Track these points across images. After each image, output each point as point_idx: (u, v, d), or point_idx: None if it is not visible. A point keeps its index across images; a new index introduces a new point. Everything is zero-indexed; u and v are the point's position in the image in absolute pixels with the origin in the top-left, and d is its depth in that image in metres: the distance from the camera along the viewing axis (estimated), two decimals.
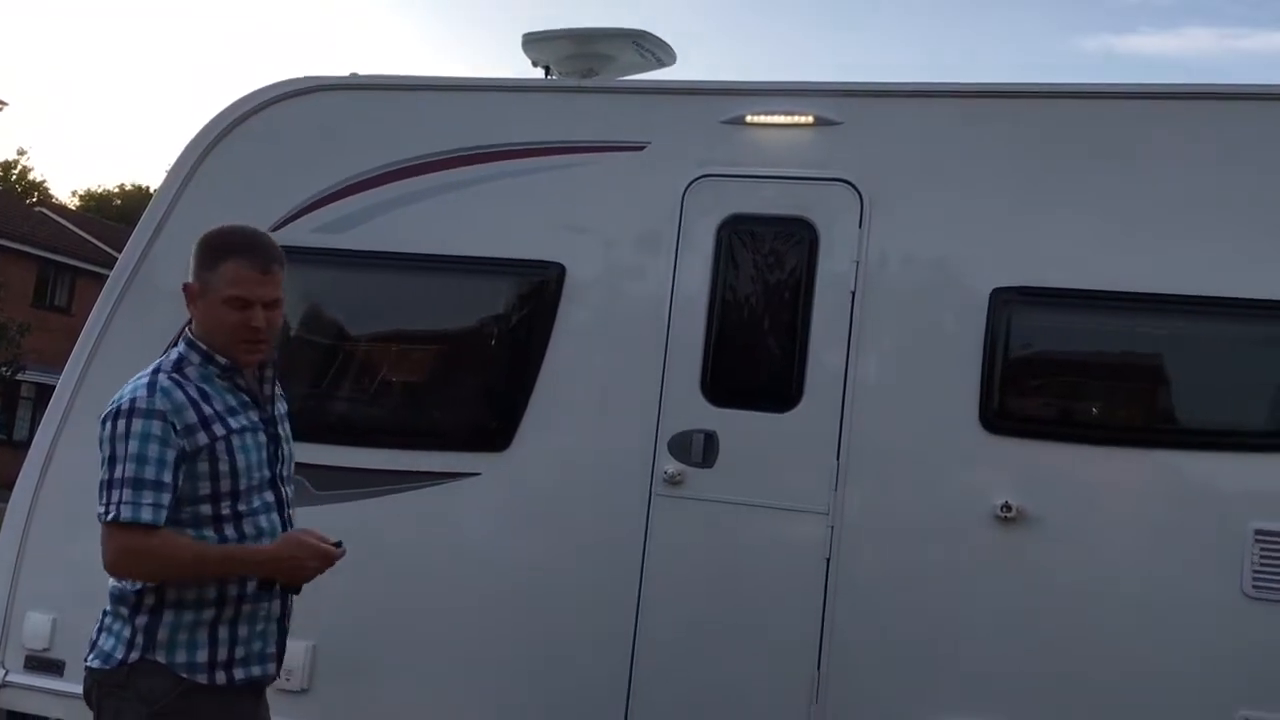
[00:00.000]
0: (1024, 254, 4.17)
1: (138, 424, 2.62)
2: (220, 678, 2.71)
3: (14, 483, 5.00)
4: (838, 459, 4.21)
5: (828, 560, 4.17)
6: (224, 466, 2.71)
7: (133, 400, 2.66)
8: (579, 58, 5.04)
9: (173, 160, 5.11)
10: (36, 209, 34.57)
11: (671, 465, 4.35)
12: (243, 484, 2.74)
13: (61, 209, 38.62)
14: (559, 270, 4.57)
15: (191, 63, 77.64)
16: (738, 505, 4.29)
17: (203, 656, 2.69)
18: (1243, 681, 3.80)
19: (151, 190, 5.61)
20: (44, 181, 47.65)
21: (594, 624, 4.35)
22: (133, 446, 2.61)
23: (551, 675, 4.37)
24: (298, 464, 4.73)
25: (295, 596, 2.83)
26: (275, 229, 4.86)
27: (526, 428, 4.49)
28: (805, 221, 4.38)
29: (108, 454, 2.65)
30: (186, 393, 2.70)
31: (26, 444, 5.26)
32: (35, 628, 4.78)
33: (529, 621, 4.41)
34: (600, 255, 4.59)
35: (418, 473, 4.56)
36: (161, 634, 2.67)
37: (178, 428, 2.65)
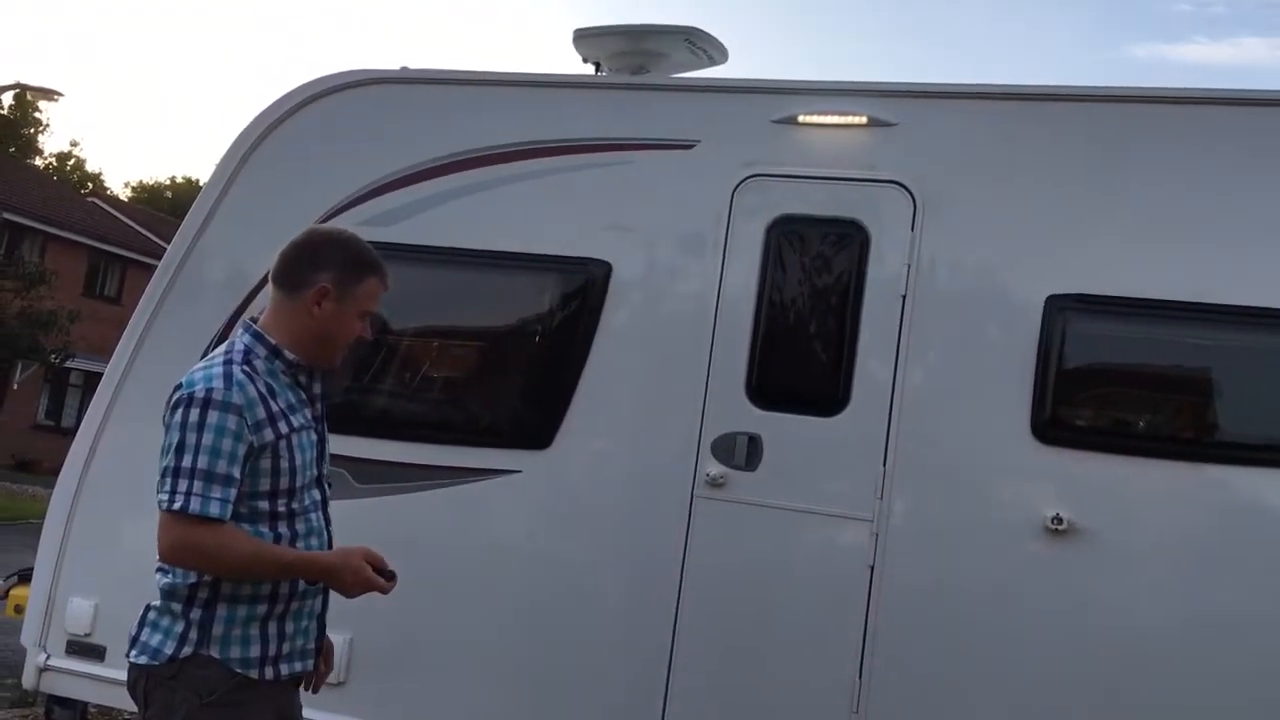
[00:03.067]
0: (1080, 260, 4.09)
1: (214, 416, 2.59)
2: (269, 673, 2.71)
3: (60, 469, 5.04)
4: (884, 465, 4.15)
5: (871, 568, 4.11)
6: (285, 464, 2.69)
7: (209, 390, 2.62)
8: (630, 54, 5.01)
9: (222, 153, 5.12)
10: (89, 199, 35.05)
11: (714, 467, 4.30)
12: (298, 481, 2.73)
13: (113, 200, 39.14)
14: (605, 268, 4.53)
15: (245, 56, 78.53)
16: (780, 510, 4.24)
17: (255, 652, 2.69)
18: None
19: (202, 183, 5.67)
20: (100, 173, 48.36)
21: (632, 625, 4.32)
22: (207, 438, 2.58)
23: (588, 676, 4.34)
24: (341, 456, 4.73)
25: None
26: (323, 221, 4.88)
27: (569, 426, 4.47)
28: (856, 223, 4.32)
29: (176, 440, 2.61)
30: (258, 388, 2.67)
31: (74, 431, 5.30)
32: (77, 613, 4.81)
33: (567, 621, 4.38)
34: (647, 254, 4.55)
35: (459, 468, 4.54)
36: (216, 629, 2.66)
37: (250, 423, 2.63)
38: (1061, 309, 4.06)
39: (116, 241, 30.32)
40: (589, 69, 5.18)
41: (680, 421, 4.35)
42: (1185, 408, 4.11)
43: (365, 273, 2.81)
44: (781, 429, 4.28)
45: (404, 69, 5.09)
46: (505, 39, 79.82)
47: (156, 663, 2.67)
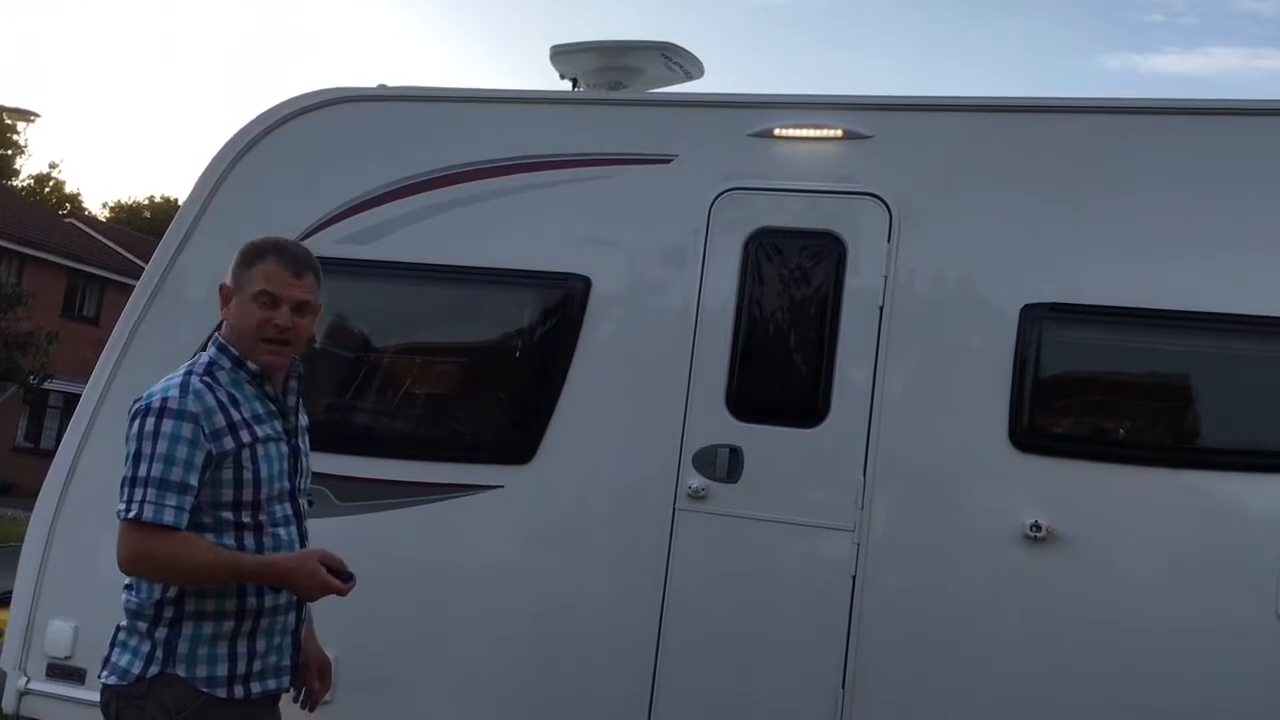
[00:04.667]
0: (1055, 270, 4.13)
1: (168, 424, 2.62)
2: (239, 691, 2.70)
3: (39, 491, 5.01)
4: (864, 475, 4.17)
5: (853, 577, 4.13)
6: (248, 475, 2.70)
7: (164, 399, 2.65)
8: (607, 70, 5.04)
9: (200, 172, 5.11)
10: (67, 220, 34.88)
11: (696, 480, 4.31)
12: (264, 493, 2.73)
13: (91, 220, 38.96)
14: (584, 283, 4.55)
15: (222, 76, 78.37)
16: (762, 521, 4.25)
17: (222, 670, 2.69)
18: (1275, 705, 3.72)
19: (180, 203, 5.64)
20: (78, 194, 48.11)
21: (616, 639, 4.32)
22: (161, 446, 2.60)
23: (573, 690, 4.34)
24: (322, 474, 4.71)
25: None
26: (301, 240, 4.87)
27: (550, 440, 4.47)
28: (833, 235, 4.35)
29: (133, 450, 2.63)
30: (217, 396, 2.70)
31: (53, 453, 5.27)
32: (57, 636, 4.78)
33: (551, 635, 4.38)
34: (626, 268, 4.57)
35: (441, 484, 4.54)
36: (181, 647, 2.66)
37: (207, 431, 2.65)
38: (1037, 318, 4.09)
39: (95, 262, 30.18)
40: (566, 85, 5.21)
41: (661, 434, 4.36)
42: (1161, 414, 4.15)
43: (253, 260, 2.82)
44: (762, 441, 4.30)
45: (381, 86, 5.10)
46: (482, 56, 79.95)
47: (125, 683, 2.68)
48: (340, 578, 2.69)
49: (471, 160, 4.75)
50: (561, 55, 5.12)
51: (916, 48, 71.15)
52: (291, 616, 2.80)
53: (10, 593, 4.95)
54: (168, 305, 4.97)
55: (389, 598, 4.34)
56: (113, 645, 2.75)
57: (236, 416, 2.71)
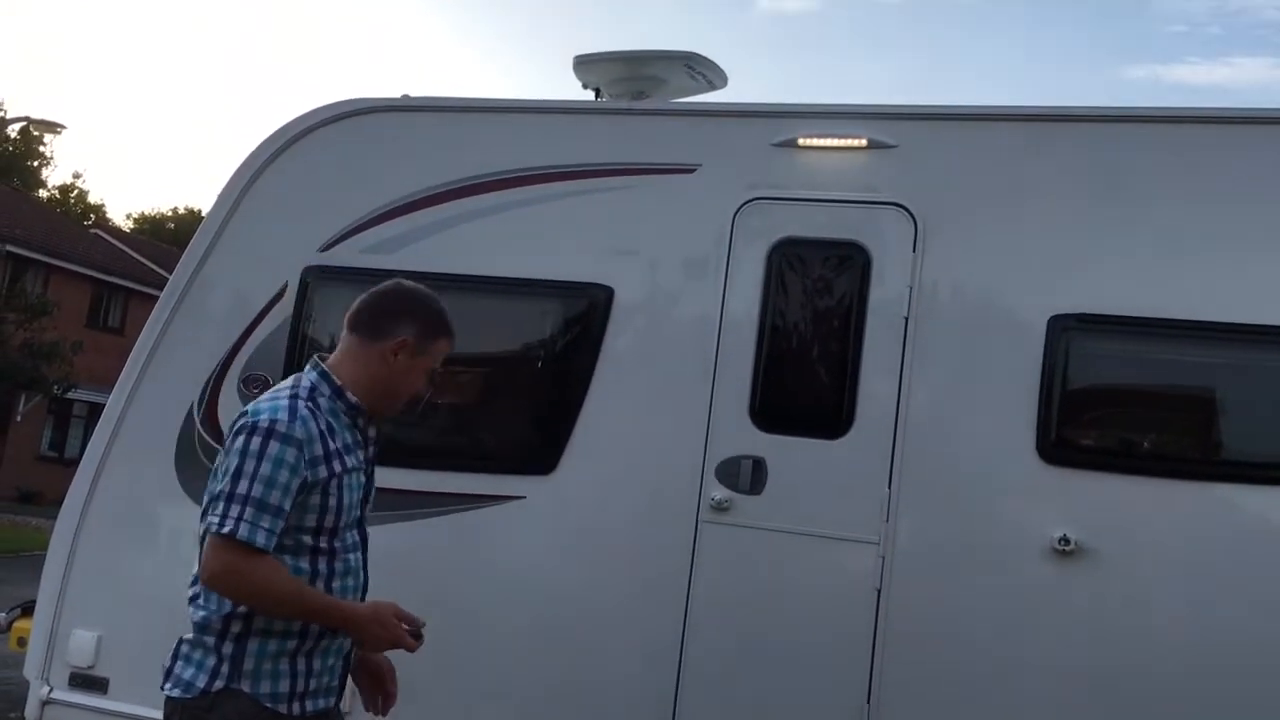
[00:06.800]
0: (1083, 281, 4.09)
1: (274, 447, 2.64)
2: (296, 708, 2.73)
3: (63, 501, 5.02)
4: (889, 488, 4.13)
5: (878, 590, 4.09)
6: (333, 502, 2.73)
7: (273, 421, 2.67)
8: (630, 80, 5.03)
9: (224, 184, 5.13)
10: (91, 230, 35.16)
11: (719, 491, 4.29)
12: (341, 521, 2.77)
13: (116, 231, 39.26)
14: (607, 293, 4.53)
15: (247, 87, 78.94)
16: (786, 533, 4.22)
17: (284, 686, 2.72)
18: None
19: (204, 214, 5.69)
20: (102, 204, 48.53)
21: (639, 651, 4.29)
22: (265, 468, 2.62)
23: (595, 702, 4.31)
24: None
25: None
26: (324, 250, 4.89)
27: (573, 451, 4.46)
28: (858, 245, 4.32)
29: (234, 466, 2.64)
30: (318, 424, 2.73)
31: (77, 462, 5.28)
32: (80, 645, 4.79)
33: (573, 646, 4.35)
34: (649, 278, 4.55)
35: (463, 495, 4.53)
36: (247, 663, 2.69)
37: (307, 458, 2.67)
38: (1065, 329, 4.05)
39: (119, 272, 30.40)
40: (589, 95, 5.20)
41: (684, 445, 4.34)
42: (1190, 427, 4.10)
43: (443, 333, 2.92)
44: (786, 452, 4.27)
45: (405, 97, 5.11)
46: (506, 67, 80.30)
47: (189, 696, 2.69)
48: (411, 633, 2.76)
49: (494, 170, 4.75)
50: (585, 65, 5.12)
51: (941, 57, 71.01)
52: (348, 640, 2.83)
53: (34, 602, 4.96)
54: (192, 317, 4.99)
55: (411, 608, 4.28)
56: (175, 657, 2.76)
57: (332, 446, 2.74)
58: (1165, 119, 4.22)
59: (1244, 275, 3.97)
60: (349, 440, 2.80)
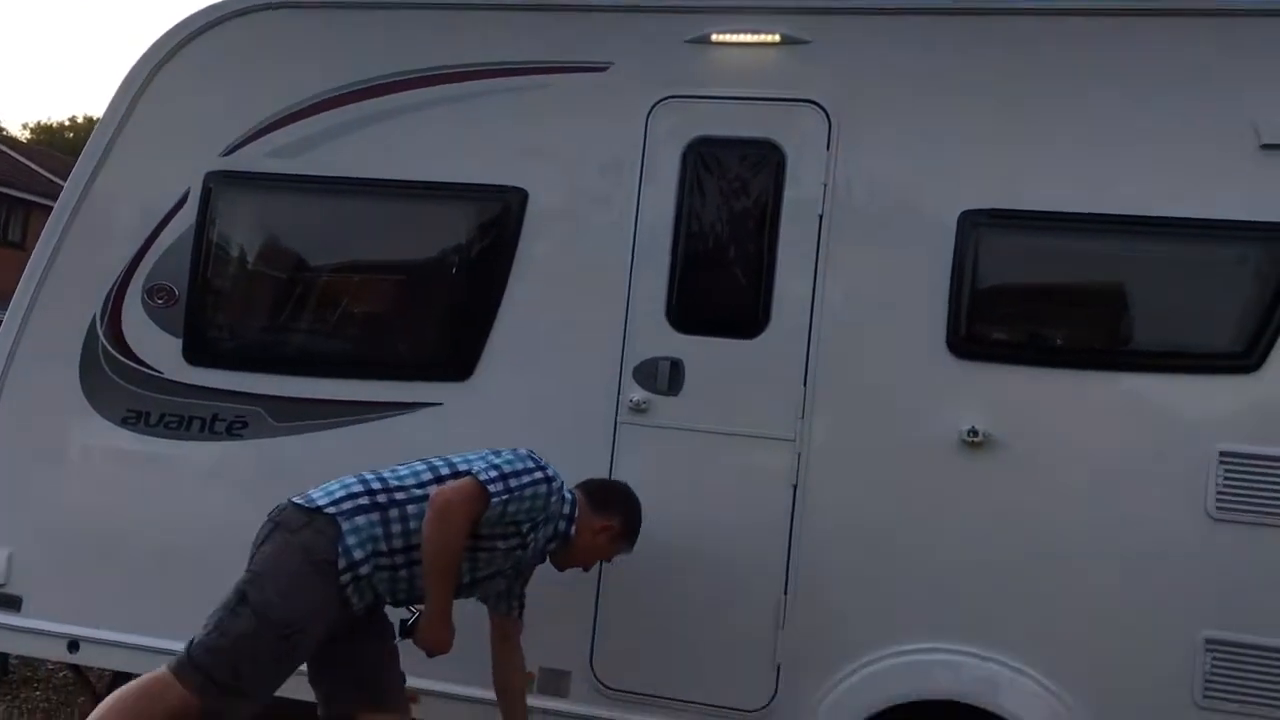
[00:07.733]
0: (995, 176, 4.11)
1: (543, 488, 3.67)
2: (349, 579, 3.56)
3: None
4: (804, 385, 4.18)
5: (794, 487, 4.16)
6: (518, 553, 3.76)
7: (550, 481, 3.71)
8: None
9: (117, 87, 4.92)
10: None
11: (637, 393, 4.30)
12: (503, 565, 3.78)
13: (12, 141, 37.70)
14: (521, 195, 4.47)
15: None
16: (704, 433, 4.26)
17: (360, 556, 3.54)
18: (1207, 603, 3.83)
19: None
20: None
21: None
22: (528, 493, 3.63)
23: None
24: (257, 395, 4.70)
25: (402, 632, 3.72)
26: (228, 154, 4.74)
27: (489, 356, 4.43)
28: (772, 144, 4.30)
29: (520, 468, 3.64)
30: (548, 510, 3.74)
31: None
32: None
33: None
34: (563, 179, 4.49)
35: (378, 403, 4.49)
36: (360, 519, 3.55)
37: (539, 516, 3.71)
38: (975, 224, 4.09)
39: (17, 185, 29.25)
40: None
41: (601, 348, 4.33)
42: (1096, 319, 4.17)
43: (633, 538, 3.98)
44: (703, 353, 4.28)
45: None
46: None
47: (300, 503, 3.58)
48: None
49: (402, 69, 4.62)
50: None
51: None
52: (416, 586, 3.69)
53: None
54: (89, 227, 4.83)
55: None
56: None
57: (540, 531, 3.77)
58: (1079, 12, 4.21)
59: (1154, 168, 4.02)
60: (539, 538, 3.78)
